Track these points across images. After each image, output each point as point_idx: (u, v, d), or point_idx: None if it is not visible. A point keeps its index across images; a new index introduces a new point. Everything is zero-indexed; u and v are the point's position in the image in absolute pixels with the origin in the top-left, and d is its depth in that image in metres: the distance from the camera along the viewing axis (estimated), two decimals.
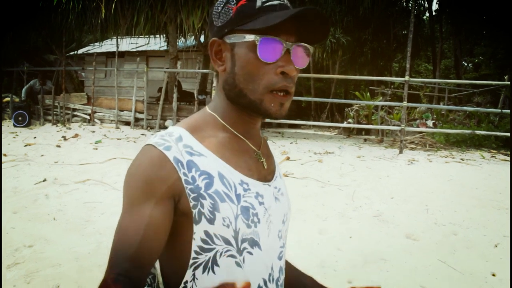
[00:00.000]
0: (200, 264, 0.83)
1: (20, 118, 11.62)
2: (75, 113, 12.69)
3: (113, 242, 0.78)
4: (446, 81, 13.75)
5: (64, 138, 9.48)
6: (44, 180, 5.71)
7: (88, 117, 12.50)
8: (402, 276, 3.27)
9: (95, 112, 12.27)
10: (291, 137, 11.09)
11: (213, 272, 0.84)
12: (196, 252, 0.83)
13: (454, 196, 5.11)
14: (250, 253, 0.86)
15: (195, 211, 0.81)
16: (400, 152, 7.67)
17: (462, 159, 7.20)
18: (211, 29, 0.91)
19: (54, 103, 12.54)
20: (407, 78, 7.68)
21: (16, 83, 16.06)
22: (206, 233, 0.82)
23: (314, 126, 16.65)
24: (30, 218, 4.32)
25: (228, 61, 0.88)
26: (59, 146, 8.40)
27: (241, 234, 0.84)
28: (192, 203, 0.81)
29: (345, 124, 11.67)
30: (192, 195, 0.81)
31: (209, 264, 0.83)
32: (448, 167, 6.54)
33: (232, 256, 0.84)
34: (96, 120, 12.25)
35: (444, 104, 15.80)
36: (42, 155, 7.50)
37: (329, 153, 7.57)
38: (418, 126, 11.43)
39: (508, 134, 8.37)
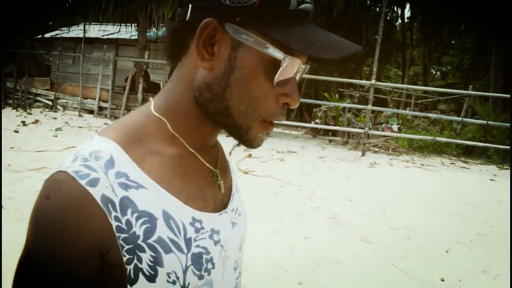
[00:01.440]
0: None
1: None
2: (37, 98, 12.24)
3: None
4: (412, 86, 14.07)
5: (24, 123, 9.09)
6: (9, 165, 5.48)
7: (50, 103, 12.07)
8: (354, 280, 3.26)
9: (58, 98, 11.87)
10: None
11: None
12: None
13: (411, 201, 5.17)
14: None
15: (129, 267, 0.60)
16: (363, 154, 7.75)
17: (422, 165, 7.33)
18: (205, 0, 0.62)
19: (15, 86, 12.05)
20: (373, 81, 7.75)
21: None
22: None
23: (281, 124, 16.68)
24: None
25: (221, 60, 0.63)
26: (17, 132, 8.05)
27: None
28: (126, 257, 0.59)
29: (311, 125, 11.75)
30: (127, 247, 0.59)
31: None
32: (408, 172, 6.63)
33: None
34: (58, 106, 11.85)
35: (410, 110, 16.11)
36: None
37: (292, 152, 7.55)
38: (383, 130, 11.58)
39: (467, 142, 8.59)
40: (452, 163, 8.20)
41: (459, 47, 23.80)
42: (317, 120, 13.54)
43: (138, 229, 0.59)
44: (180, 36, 0.66)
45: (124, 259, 0.59)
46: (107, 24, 12.99)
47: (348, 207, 4.81)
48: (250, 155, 6.76)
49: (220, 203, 0.74)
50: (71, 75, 14.08)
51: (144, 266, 0.59)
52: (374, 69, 7.81)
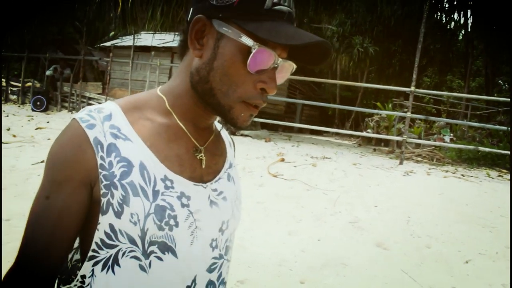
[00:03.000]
0: (100, 260, 0.75)
1: (38, 103, 12.06)
2: (90, 101, 13.04)
3: (25, 228, 0.72)
4: (453, 94, 13.38)
5: None
6: (42, 162, 5.89)
7: None
8: (357, 282, 3.23)
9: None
10: (297, 141, 11.05)
11: (113, 272, 0.75)
12: (97, 244, 0.75)
13: (440, 210, 4.99)
14: (160, 258, 0.76)
15: (104, 200, 0.73)
16: (401, 163, 7.54)
17: (462, 175, 7.02)
18: (199, 1, 0.76)
19: (71, 90, 12.91)
20: (412, 88, 7.55)
21: (41, 69, 16.64)
22: (111, 226, 0.74)
23: (335, 134, 16.52)
24: (17, 194, 4.47)
25: (208, 49, 0.76)
26: None
27: (149, 236, 0.75)
28: (102, 191, 0.73)
29: (346, 131, 11.54)
30: (105, 182, 0.73)
31: (109, 262, 0.75)
32: (445, 181, 6.38)
33: (136, 258, 0.75)
34: None
35: (467, 121, 15.39)
36: (49, 139, 7.73)
37: (326, 158, 7.51)
38: (435, 141, 11.19)
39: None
40: (499, 175, 7.77)
41: None
42: (369, 130, 13.24)
43: (117, 170, 0.73)
44: (185, 35, 0.81)
45: (101, 192, 0.73)
46: (160, 33, 13.61)
47: (371, 213, 4.74)
48: (282, 160, 6.81)
49: (199, 176, 0.83)
50: (125, 81, 14.87)
51: (115, 202, 0.73)
52: (414, 76, 7.59)
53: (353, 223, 4.40)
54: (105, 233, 0.74)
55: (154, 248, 0.75)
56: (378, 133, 12.04)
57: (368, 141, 13.07)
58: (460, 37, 24.16)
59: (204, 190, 0.83)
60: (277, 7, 0.73)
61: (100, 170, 0.73)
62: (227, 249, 0.89)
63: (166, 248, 0.76)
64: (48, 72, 13.79)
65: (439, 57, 21.27)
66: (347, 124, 19.48)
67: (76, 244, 0.82)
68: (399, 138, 8.35)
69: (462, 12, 19.55)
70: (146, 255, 0.75)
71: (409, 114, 7.68)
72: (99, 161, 0.73)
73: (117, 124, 0.76)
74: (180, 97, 0.82)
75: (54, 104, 13.21)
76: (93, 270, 0.76)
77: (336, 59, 17.84)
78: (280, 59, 0.75)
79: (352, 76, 20.09)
